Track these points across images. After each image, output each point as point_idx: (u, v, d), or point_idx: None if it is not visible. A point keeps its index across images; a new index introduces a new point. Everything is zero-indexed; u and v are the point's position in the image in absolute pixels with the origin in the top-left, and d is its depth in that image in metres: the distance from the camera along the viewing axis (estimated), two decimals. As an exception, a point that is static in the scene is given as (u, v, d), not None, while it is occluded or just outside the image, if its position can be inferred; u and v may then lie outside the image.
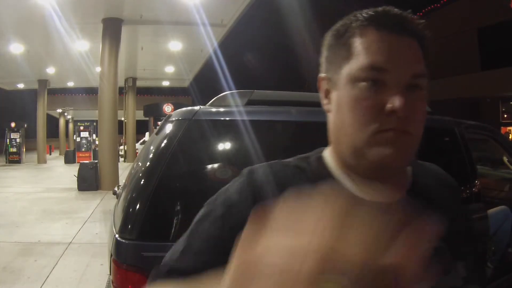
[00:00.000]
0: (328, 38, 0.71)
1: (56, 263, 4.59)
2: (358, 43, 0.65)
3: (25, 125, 20.99)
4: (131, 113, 21.34)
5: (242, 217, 0.61)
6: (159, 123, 2.12)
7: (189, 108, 1.89)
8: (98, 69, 11.77)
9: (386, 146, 0.63)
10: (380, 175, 0.68)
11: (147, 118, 22.00)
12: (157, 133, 1.95)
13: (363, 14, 0.66)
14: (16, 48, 13.28)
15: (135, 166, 2.15)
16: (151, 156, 1.77)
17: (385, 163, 0.64)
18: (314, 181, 0.59)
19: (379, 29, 0.64)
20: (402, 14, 0.65)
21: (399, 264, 0.41)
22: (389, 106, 0.61)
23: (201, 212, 0.75)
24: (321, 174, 0.71)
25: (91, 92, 23.68)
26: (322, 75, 0.73)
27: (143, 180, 1.70)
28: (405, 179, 0.73)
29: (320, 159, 0.75)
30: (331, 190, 0.41)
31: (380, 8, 0.66)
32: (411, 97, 0.63)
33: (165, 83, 24.28)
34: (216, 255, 0.62)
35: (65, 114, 31.80)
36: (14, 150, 19.95)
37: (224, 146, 1.87)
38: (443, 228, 0.55)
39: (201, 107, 1.90)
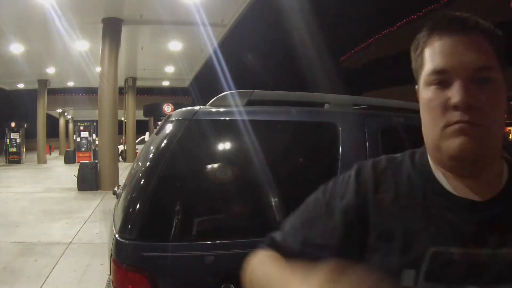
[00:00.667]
0: (411, 51, 0.79)
1: (56, 263, 4.59)
2: (426, 53, 0.73)
3: (25, 125, 21.00)
4: (131, 113, 21.34)
5: (343, 208, 0.77)
6: (159, 123, 2.12)
7: (189, 108, 1.89)
8: (98, 69, 11.78)
9: (455, 138, 0.67)
10: (463, 169, 0.71)
11: (147, 118, 22.02)
12: (157, 133, 1.95)
13: (428, 25, 0.74)
14: (16, 48, 13.29)
15: (135, 166, 2.15)
16: (151, 156, 1.77)
17: (458, 155, 0.68)
18: (413, 175, 0.76)
19: (440, 34, 0.71)
20: (460, 15, 0.73)
21: None
22: (450, 101, 0.68)
23: (313, 194, 0.87)
24: (420, 170, 0.78)
25: (91, 92, 23.70)
26: (416, 86, 0.79)
27: (143, 180, 1.70)
28: (498, 177, 0.72)
29: (423, 155, 0.80)
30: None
31: (440, 15, 0.74)
32: (480, 90, 0.67)
33: (165, 83, 24.28)
34: (313, 238, 0.79)
35: (65, 114, 31.82)
36: (14, 150, 19.98)
37: (224, 146, 1.87)
38: None
39: (201, 107, 1.90)
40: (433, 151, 0.74)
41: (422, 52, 0.74)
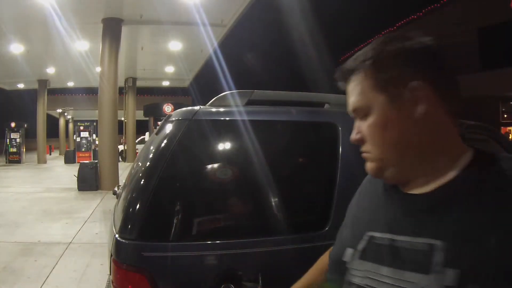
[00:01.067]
0: None
1: (56, 263, 4.59)
2: None
3: (25, 125, 20.99)
4: (131, 113, 21.34)
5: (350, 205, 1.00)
6: (159, 123, 2.12)
7: (189, 108, 1.89)
8: (98, 69, 11.77)
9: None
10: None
11: (147, 118, 22.01)
12: (157, 133, 1.95)
13: None
14: (16, 48, 13.28)
15: (135, 166, 2.15)
16: (151, 156, 1.77)
17: (372, 175, 0.86)
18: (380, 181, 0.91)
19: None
20: (340, 68, 0.85)
21: None
22: None
23: None
24: None
25: (91, 92, 23.70)
26: None
27: (143, 180, 1.70)
28: (438, 178, 0.76)
29: None
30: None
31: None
32: (364, 125, 0.82)
33: (165, 83, 24.27)
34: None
35: (65, 114, 31.81)
36: (14, 150, 19.97)
37: (224, 146, 1.87)
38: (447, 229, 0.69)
39: (201, 107, 1.90)
40: None
41: None
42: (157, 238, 1.61)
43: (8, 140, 19.98)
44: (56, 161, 21.59)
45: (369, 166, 0.83)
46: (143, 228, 1.59)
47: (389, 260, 0.76)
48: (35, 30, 11.31)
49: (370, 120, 0.79)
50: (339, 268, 0.89)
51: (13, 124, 20.26)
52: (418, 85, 0.75)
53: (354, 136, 0.84)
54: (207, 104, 2.01)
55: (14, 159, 19.80)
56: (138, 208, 1.61)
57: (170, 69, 18.77)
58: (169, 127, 1.82)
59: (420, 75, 0.75)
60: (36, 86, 20.10)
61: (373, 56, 0.79)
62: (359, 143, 0.83)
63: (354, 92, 0.81)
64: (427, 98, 0.75)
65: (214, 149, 1.82)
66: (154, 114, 20.22)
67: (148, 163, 1.75)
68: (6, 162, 19.55)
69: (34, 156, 20.87)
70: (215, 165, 1.81)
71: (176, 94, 30.41)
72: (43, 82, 19.91)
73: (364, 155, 0.83)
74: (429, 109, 0.75)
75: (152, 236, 1.60)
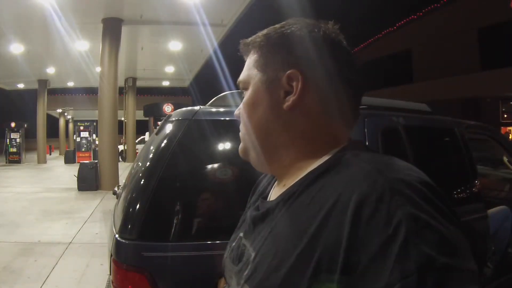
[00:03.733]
0: None
1: (56, 263, 4.59)
2: None
3: (25, 125, 20.98)
4: (131, 113, 21.34)
5: None
6: (159, 123, 2.12)
7: (189, 108, 1.89)
8: (98, 69, 11.76)
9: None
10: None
11: (147, 118, 22.00)
12: (157, 133, 1.95)
13: None
14: (16, 48, 13.28)
15: (135, 166, 2.15)
16: (151, 156, 1.77)
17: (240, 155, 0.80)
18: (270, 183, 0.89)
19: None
20: (241, 41, 0.81)
21: None
22: None
23: None
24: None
25: (91, 92, 23.68)
26: None
27: (143, 180, 1.70)
28: (290, 182, 0.72)
29: None
30: None
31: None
32: (244, 101, 0.77)
33: (165, 83, 24.28)
34: None
35: (65, 114, 31.81)
36: (14, 150, 19.96)
37: (224, 146, 1.87)
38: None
39: (201, 107, 1.90)
40: None
41: None
42: (157, 238, 1.61)
43: (8, 140, 19.97)
44: (56, 161, 21.58)
45: (240, 145, 0.79)
46: (143, 228, 1.59)
47: (237, 262, 0.75)
48: (35, 30, 11.31)
49: (245, 96, 0.76)
50: (223, 263, 0.88)
51: (13, 124, 20.24)
52: (294, 75, 0.69)
53: (236, 111, 0.80)
54: (207, 104, 2.01)
55: (14, 159, 19.79)
56: (138, 208, 1.61)
57: (170, 69, 18.77)
58: (169, 127, 1.82)
59: (302, 66, 0.69)
60: (36, 86, 20.08)
61: (264, 35, 0.75)
62: (238, 118, 0.79)
63: (244, 66, 0.79)
64: (299, 91, 0.69)
65: (214, 149, 1.82)
66: (154, 114, 20.19)
67: (148, 163, 1.75)
68: (6, 162, 19.54)
69: (34, 156, 20.87)
70: (215, 165, 1.81)
71: (176, 94, 30.41)
72: (43, 82, 19.90)
73: (240, 133, 0.79)
74: (299, 103, 0.69)
75: (152, 236, 1.60)
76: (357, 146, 0.73)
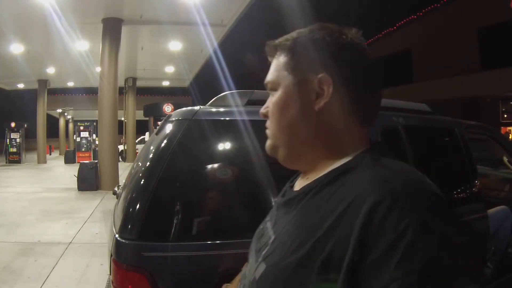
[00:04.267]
0: None
1: (56, 263, 4.59)
2: None
3: (25, 125, 20.97)
4: (131, 113, 21.34)
5: None
6: (159, 123, 2.12)
7: (189, 108, 1.89)
8: (98, 69, 11.75)
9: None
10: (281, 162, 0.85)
11: (147, 118, 22.00)
12: (157, 133, 1.95)
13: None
14: (16, 48, 13.27)
15: (135, 166, 2.15)
16: (151, 156, 1.77)
17: (267, 153, 0.86)
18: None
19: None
20: (268, 42, 0.86)
21: None
22: None
23: None
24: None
25: (91, 92, 23.68)
26: None
27: (143, 180, 1.70)
28: (313, 176, 0.79)
29: None
30: None
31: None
32: (271, 101, 0.83)
33: (165, 83, 24.27)
34: None
35: (65, 114, 31.80)
36: (14, 150, 19.95)
37: (224, 146, 1.87)
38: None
39: (201, 107, 1.90)
40: None
41: None
42: (157, 238, 1.61)
43: (8, 140, 19.96)
44: (56, 161, 21.58)
45: (267, 142, 0.84)
46: (143, 228, 1.59)
47: (259, 243, 0.84)
48: (35, 30, 11.31)
49: (275, 96, 0.81)
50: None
51: (13, 124, 20.23)
52: (325, 79, 0.74)
53: (262, 109, 0.84)
54: (207, 104, 2.01)
55: (14, 159, 19.79)
56: (138, 208, 1.61)
57: (170, 69, 18.77)
58: (169, 127, 1.82)
59: (331, 70, 0.74)
60: (36, 86, 20.08)
61: (294, 39, 0.81)
62: (265, 117, 0.84)
63: (272, 67, 0.83)
64: (330, 94, 0.74)
65: (214, 149, 1.82)
66: (154, 114, 20.20)
67: (148, 163, 1.75)
68: (6, 162, 19.54)
69: (34, 156, 20.87)
70: (215, 165, 1.81)
71: (176, 94, 30.39)
72: (43, 82, 19.90)
73: (266, 130, 0.84)
74: (328, 106, 0.75)
75: (152, 236, 1.60)
76: (379, 148, 0.78)
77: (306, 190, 0.76)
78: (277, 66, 0.82)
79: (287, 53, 0.80)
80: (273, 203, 0.93)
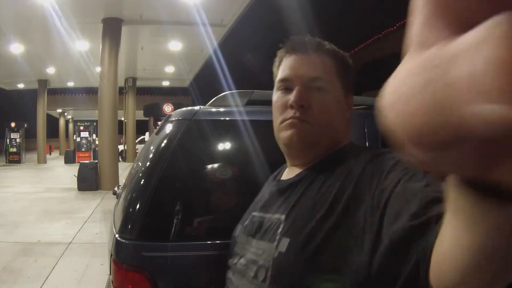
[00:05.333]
0: (273, 67, 1.04)
1: (56, 263, 4.60)
2: (280, 67, 0.98)
3: (25, 125, 20.98)
4: (131, 113, 21.34)
5: None
6: (159, 123, 2.12)
7: (189, 108, 1.89)
8: (98, 69, 11.76)
9: (287, 130, 0.92)
10: (292, 153, 0.98)
11: (147, 118, 22.01)
12: (157, 133, 1.95)
13: (283, 47, 0.99)
14: (16, 48, 13.28)
15: (135, 166, 2.15)
16: (151, 156, 1.77)
17: (287, 143, 0.94)
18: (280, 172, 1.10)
19: (288, 53, 0.96)
20: (304, 41, 0.97)
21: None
22: (289, 102, 0.92)
23: None
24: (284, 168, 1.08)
25: (91, 92, 23.66)
26: None
27: (143, 180, 1.70)
28: (312, 159, 0.94)
29: None
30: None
31: (292, 39, 0.98)
32: (312, 96, 0.91)
33: (165, 83, 24.27)
34: None
35: (65, 114, 31.80)
36: (14, 150, 19.96)
37: (224, 146, 1.87)
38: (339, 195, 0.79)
39: (201, 107, 1.90)
40: (277, 142, 1.00)
41: (278, 66, 0.99)
42: (157, 238, 1.61)
43: (8, 140, 19.97)
44: (56, 161, 21.59)
45: (297, 132, 0.91)
46: (143, 228, 1.59)
47: (255, 233, 0.93)
48: (35, 30, 11.31)
49: (329, 95, 0.93)
50: (233, 241, 1.07)
51: (13, 124, 20.23)
52: (351, 98, 1.02)
53: (299, 100, 0.91)
54: (207, 104, 2.01)
55: (14, 159, 19.79)
56: (138, 208, 1.61)
57: (170, 69, 18.77)
58: (169, 127, 1.82)
59: (352, 89, 1.02)
60: (36, 86, 20.07)
61: (334, 49, 0.98)
62: (301, 108, 0.91)
63: (317, 66, 0.94)
64: (350, 106, 1.02)
65: (214, 149, 1.82)
66: (154, 114, 20.21)
67: (148, 163, 1.75)
68: (6, 162, 19.55)
69: (34, 156, 20.88)
70: (215, 165, 1.81)
71: (176, 94, 30.40)
72: (43, 82, 19.90)
73: (294, 121, 0.92)
74: (349, 113, 1.02)
75: (152, 236, 1.60)
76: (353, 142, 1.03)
77: (309, 171, 0.92)
78: (323, 65, 0.94)
79: (331, 57, 0.96)
80: (252, 208, 1.08)
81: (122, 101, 19.69)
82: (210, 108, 1.92)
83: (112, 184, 9.24)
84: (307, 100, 0.90)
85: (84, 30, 11.35)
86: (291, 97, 0.91)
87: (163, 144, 1.73)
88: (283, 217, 0.86)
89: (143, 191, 1.65)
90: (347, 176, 0.79)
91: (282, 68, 0.96)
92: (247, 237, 0.96)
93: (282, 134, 0.94)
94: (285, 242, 0.80)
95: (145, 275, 1.53)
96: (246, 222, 1.02)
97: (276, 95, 0.98)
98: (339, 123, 0.97)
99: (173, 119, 1.84)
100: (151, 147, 1.87)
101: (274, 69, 1.02)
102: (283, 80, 0.95)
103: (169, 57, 15.74)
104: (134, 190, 1.71)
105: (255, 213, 1.00)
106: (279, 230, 0.84)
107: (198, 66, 17.56)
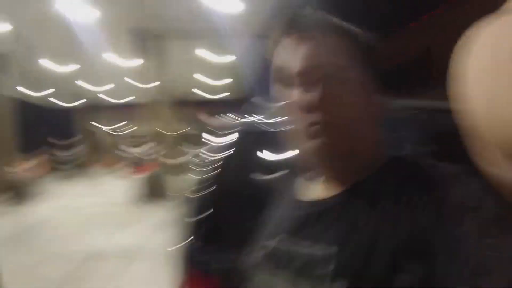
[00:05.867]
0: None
1: (123, 272, 4.66)
2: (275, 52, 0.69)
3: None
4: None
5: None
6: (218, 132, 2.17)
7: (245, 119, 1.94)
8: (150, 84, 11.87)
9: (314, 139, 0.64)
10: (325, 165, 0.69)
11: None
12: (221, 145, 1.99)
13: (278, 25, 0.69)
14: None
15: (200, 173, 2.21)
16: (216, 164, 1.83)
17: (318, 153, 0.65)
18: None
19: (285, 33, 0.67)
20: (303, 13, 0.67)
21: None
22: (294, 101, 0.63)
23: None
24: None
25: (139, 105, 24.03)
26: None
27: (209, 187, 1.74)
28: (350, 176, 0.67)
29: None
30: None
31: (287, 12, 0.69)
32: (325, 88, 0.63)
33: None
34: None
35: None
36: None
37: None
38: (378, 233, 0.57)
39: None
40: (296, 149, 0.70)
41: (273, 50, 0.70)
42: (225, 243, 1.62)
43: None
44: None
45: (324, 140, 0.64)
46: (210, 233, 1.63)
47: (287, 265, 0.68)
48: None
49: (341, 83, 0.68)
50: (241, 275, 0.81)
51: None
52: None
53: (298, 98, 0.65)
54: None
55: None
56: (208, 215, 1.65)
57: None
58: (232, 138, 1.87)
59: None
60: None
61: (350, 31, 0.71)
62: (311, 110, 0.65)
63: (323, 49, 0.68)
64: (376, 102, 0.72)
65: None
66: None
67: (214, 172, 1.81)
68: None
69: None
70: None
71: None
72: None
73: (305, 131, 0.65)
74: (378, 110, 0.72)
75: (223, 243, 1.62)
76: None
77: (355, 190, 0.65)
78: (334, 49, 0.71)
79: (349, 41, 0.73)
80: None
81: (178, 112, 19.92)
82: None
83: (178, 192, 9.23)
84: (325, 96, 0.63)
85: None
86: (295, 95, 0.63)
87: (227, 153, 1.78)
88: (328, 252, 0.62)
89: (209, 198, 1.71)
90: (415, 208, 0.57)
91: (278, 54, 0.68)
92: (274, 270, 0.70)
93: (301, 147, 0.67)
94: (339, 284, 0.58)
95: (215, 281, 1.54)
96: (267, 251, 0.74)
97: (277, 89, 0.69)
98: (366, 125, 0.66)
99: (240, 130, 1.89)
100: (215, 155, 1.93)
101: (268, 53, 0.71)
102: (280, 71, 0.67)
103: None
104: (200, 197, 1.76)
105: (265, 243, 0.75)
106: (329, 268, 0.60)
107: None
